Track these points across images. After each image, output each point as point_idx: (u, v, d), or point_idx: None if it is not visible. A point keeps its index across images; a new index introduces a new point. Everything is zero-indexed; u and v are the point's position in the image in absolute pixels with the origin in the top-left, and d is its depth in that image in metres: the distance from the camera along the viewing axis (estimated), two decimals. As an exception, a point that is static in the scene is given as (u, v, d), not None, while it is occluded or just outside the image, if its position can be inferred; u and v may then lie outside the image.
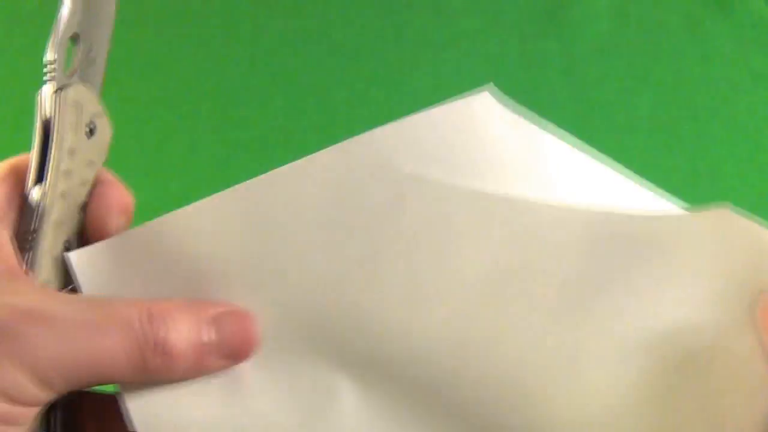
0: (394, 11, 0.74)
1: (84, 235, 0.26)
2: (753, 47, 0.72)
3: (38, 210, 0.25)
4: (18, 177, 0.26)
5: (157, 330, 0.22)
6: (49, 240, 0.25)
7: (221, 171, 0.62)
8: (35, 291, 0.23)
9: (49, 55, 0.27)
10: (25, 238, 0.25)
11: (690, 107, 0.68)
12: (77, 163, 0.26)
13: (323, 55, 0.70)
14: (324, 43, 0.71)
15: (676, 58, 0.71)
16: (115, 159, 0.70)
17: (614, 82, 0.69)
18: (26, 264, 0.24)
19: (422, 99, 0.71)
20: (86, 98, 0.26)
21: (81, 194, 0.26)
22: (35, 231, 0.25)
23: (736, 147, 0.65)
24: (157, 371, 0.23)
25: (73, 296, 0.24)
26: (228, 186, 0.59)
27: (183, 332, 0.23)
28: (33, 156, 0.25)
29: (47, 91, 0.26)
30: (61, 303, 0.23)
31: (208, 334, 0.23)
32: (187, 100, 0.67)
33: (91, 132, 0.27)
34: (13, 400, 0.21)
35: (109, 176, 0.28)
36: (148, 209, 0.64)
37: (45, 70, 0.26)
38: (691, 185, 0.63)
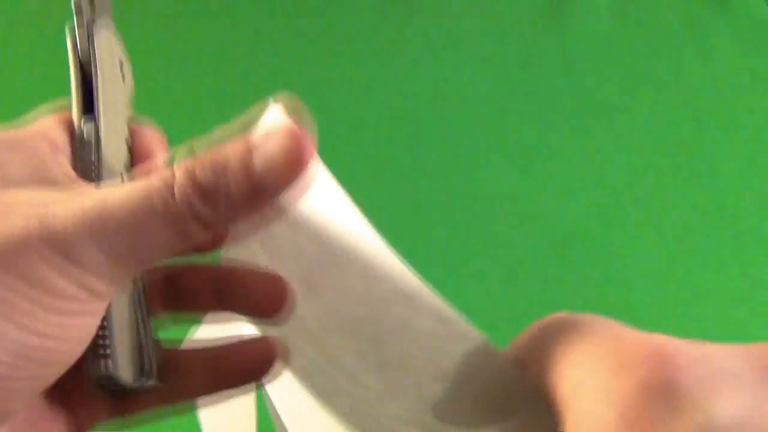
0: (394, 11, 0.74)
1: (131, 170, 0.26)
2: (753, 47, 0.72)
3: (96, 142, 0.25)
4: (62, 117, 0.26)
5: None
6: (108, 172, 0.25)
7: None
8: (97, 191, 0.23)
9: None
10: (86, 170, 0.24)
11: (690, 107, 0.68)
12: (119, 100, 0.27)
13: (323, 55, 0.70)
14: (324, 43, 0.71)
15: (676, 58, 0.71)
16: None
17: (614, 82, 0.69)
18: None
19: (422, 99, 0.72)
20: (114, 41, 0.27)
21: (125, 131, 0.27)
22: (96, 162, 0.25)
23: (736, 147, 0.65)
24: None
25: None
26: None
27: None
28: (74, 96, 0.26)
29: (82, 31, 0.26)
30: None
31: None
32: (187, 100, 0.67)
33: (123, 75, 0.28)
34: (99, 275, 0.21)
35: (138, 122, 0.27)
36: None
37: (77, 9, 0.26)
38: (691, 185, 0.63)
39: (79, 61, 0.26)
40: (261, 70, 0.69)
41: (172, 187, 0.21)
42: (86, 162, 0.25)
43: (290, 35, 0.72)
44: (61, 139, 0.25)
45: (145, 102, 0.73)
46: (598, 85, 0.69)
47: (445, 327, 0.26)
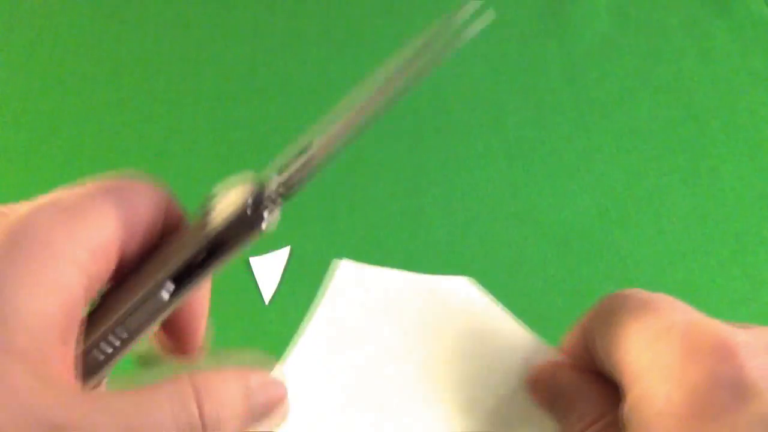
0: (394, 11, 0.74)
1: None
2: (753, 47, 0.72)
3: (153, 317, 0.21)
4: (122, 246, 0.21)
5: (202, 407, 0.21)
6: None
7: (221, 171, 0.62)
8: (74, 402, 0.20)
9: (297, 177, 0.22)
10: (117, 331, 0.21)
11: (690, 107, 0.68)
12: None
13: (323, 55, 0.70)
14: (324, 43, 0.71)
15: (676, 58, 0.71)
16: (116, 159, 0.70)
17: (614, 82, 0.69)
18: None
19: (422, 99, 0.72)
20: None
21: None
22: (132, 334, 0.21)
23: (736, 147, 0.65)
24: None
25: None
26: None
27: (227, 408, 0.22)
28: (183, 255, 0.21)
29: (257, 215, 0.22)
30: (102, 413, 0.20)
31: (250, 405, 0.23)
32: (187, 100, 0.67)
33: None
34: None
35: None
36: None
37: (277, 192, 0.22)
38: (691, 185, 0.63)
39: (222, 236, 0.21)
40: (261, 70, 0.69)
41: None
42: (119, 327, 0.21)
43: (290, 35, 0.72)
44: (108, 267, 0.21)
45: (145, 102, 0.74)
46: (598, 85, 0.69)
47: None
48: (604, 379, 0.26)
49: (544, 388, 0.27)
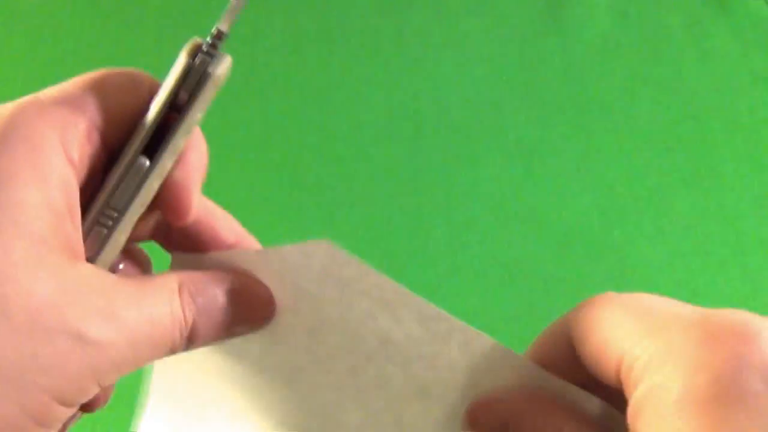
0: (394, 11, 0.74)
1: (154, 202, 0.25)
2: (753, 47, 0.72)
3: (133, 190, 0.23)
4: (105, 131, 0.23)
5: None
6: (124, 226, 0.23)
7: (221, 171, 0.62)
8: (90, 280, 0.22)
9: (224, 26, 0.24)
10: (101, 217, 0.22)
11: (690, 107, 0.68)
12: (178, 147, 0.24)
13: (323, 55, 0.70)
14: (324, 43, 0.71)
15: (676, 58, 0.71)
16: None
17: (614, 82, 0.69)
18: (95, 245, 0.23)
19: (422, 99, 0.71)
20: (220, 84, 0.24)
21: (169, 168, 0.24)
22: (119, 213, 0.23)
23: (736, 147, 0.65)
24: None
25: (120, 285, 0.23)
26: (225, 188, 0.59)
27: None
28: (146, 126, 0.23)
29: (200, 62, 0.23)
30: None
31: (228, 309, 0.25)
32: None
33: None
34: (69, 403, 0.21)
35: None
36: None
37: (211, 41, 0.24)
38: (691, 185, 0.63)
39: (176, 93, 0.23)
40: (261, 70, 0.69)
41: (184, 336, 0.24)
42: (108, 206, 0.22)
43: (290, 35, 0.72)
44: (91, 155, 0.23)
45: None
46: (598, 85, 0.69)
47: (428, 328, 0.25)
48: (573, 383, 0.25)
49: (481, 424, 0.25)
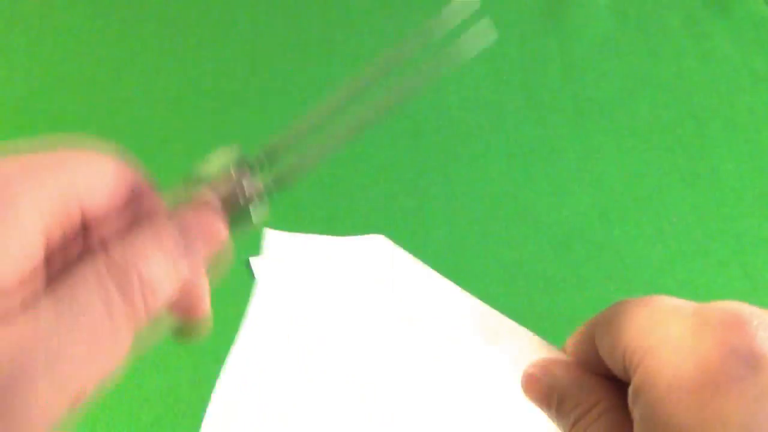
0: (394, 11, 0.74)
1: None
2: (753, 47, 0.72)
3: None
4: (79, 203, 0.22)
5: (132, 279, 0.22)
6: None
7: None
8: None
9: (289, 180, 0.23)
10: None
11: (690, 107, 0.68)
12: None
13: (323, 55, 0.70)
14: (324, 43, 0.71)
15: (676, 58, 0.71)
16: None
17: (614, 82, 0.69)
18: None
19: (422, 99, 0.71)
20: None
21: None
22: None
23: (736, 147, 0.65)
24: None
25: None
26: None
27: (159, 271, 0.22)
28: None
29: (246, 200, 0.23)
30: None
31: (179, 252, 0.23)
32: (187, 100, 0.67)
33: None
34: None
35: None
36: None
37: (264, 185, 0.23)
38: (691, 185, 0.63)
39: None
40: (261, 70, 0.69)
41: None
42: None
43: (290, 35, 0.72)
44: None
45: (145, 101, 0.74)
46: (598, 85, 0.69)
47: (478, 321, 0.28)
48: (603, 376, 0.26)
49: (537, 383, 0.27)
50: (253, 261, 0.57)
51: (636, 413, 0.22)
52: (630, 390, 0.23)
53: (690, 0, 0.75)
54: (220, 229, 0.24)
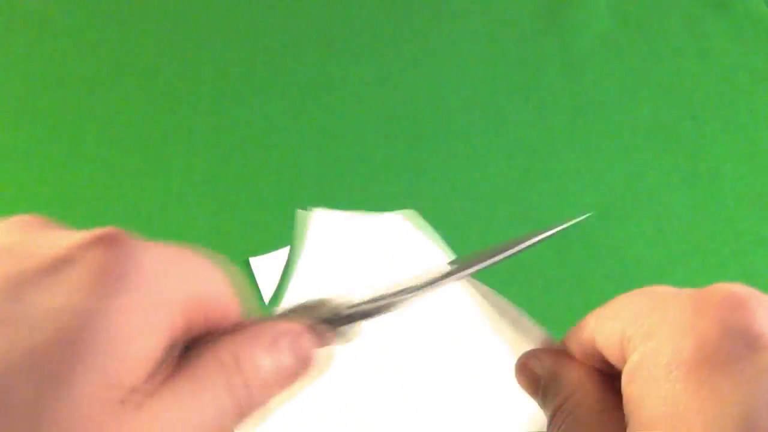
0: (394, 11, 0.74)
1: None
2: (753, 47, 0.72)
3: None
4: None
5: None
6: None
7: (221, 171, 0.62)
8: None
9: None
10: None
11: (690, 107, 0.68)
12: None
13: (323, 55, 0.70)
14: (324, 43, 0.71)
15: (676, 58, 0.71)
16: (116, 159, 0.70)
17: (614, 82, 0.69)
18: None
19: (422, 99, 0.71)
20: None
21: None
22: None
23: (736, 147, 0.65)
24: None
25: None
26: (225, 187, 0.59)
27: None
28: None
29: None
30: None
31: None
32: (187, 100, 0.67)
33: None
34: None
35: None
36: (149, 208, 0.64)
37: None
38: (691, 185, 0.63)
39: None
40: (261, 70, 0.69)
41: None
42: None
43: (290, 35, 0.72)
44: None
45: (145, 102, 0.74)
46: (598, 85, 0.69)
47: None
48: (592, 367, 0.26)
49: (526, 370, 0.27)
50: (253, 261, 0.57)
51: (631, 391, 0.22)
52: (625, 369, 0.23)
53: (690, 0, 0.75)
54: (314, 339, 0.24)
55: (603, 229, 0.60)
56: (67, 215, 0.59)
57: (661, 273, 0.58)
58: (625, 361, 0.23)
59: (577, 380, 0.25)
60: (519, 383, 0.27)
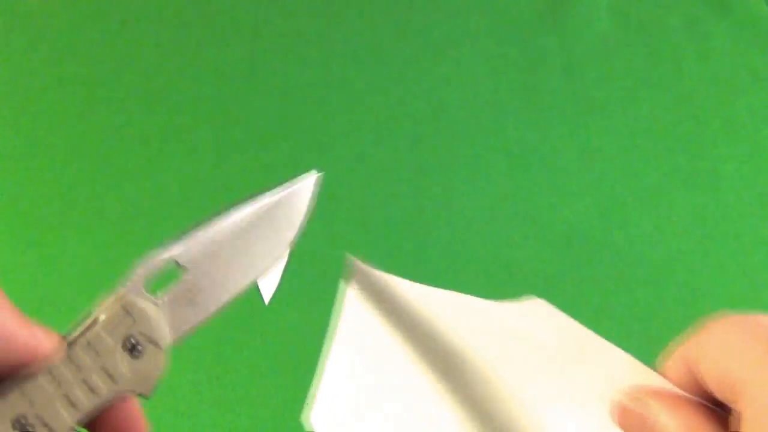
0: (395, 11, 0.74)
1: None
2: (753, 47, 0.72)
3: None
4: None
5: None
6: None
7: (221, 171, 0.62)
8: None
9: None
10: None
11: (690, 107, 0.68)
12: (93, 359, 0.25)
13: (323, 56, 0.70)
14: (324, 43, 0.71)
15: (676, 58, 0.71)
16: (116, 159, 0.70)
17: (614, 82, 0.69)
18: None
19: (422, 99, 0.71)
20: (145, 316, 0.26)
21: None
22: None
23: (736, 147, 0.65)
24: None
25: None
26: (225, 186, 0.59)
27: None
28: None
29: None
30: None
31: None
32: (187, 100, 0.67)
33: (132, 350, 0.26)
34: None
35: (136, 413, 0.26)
36: (148, 208, 0.63)
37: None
38: (691, 185, 0.63)
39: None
40: (261, 70, 0.69)
41: None
42: None
43: (290, 35, 0.72)
44: None
45: (145, 102, 0.74)
46: (598, 85, 0.69)
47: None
48: (700, 401, 0.25)
49: (629, 415, 0.26)
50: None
51: None
52: (731, 419, 0.22)
53: (690, 0, 0.75)
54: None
55: (603, 229, 0.60)
56: (67, 215, 0.59)
57: (661, 273, 0.58)
58: (735, 401, 0.23)
59: (693, 420, 0.25)
60: (620, 426, 0.27)
